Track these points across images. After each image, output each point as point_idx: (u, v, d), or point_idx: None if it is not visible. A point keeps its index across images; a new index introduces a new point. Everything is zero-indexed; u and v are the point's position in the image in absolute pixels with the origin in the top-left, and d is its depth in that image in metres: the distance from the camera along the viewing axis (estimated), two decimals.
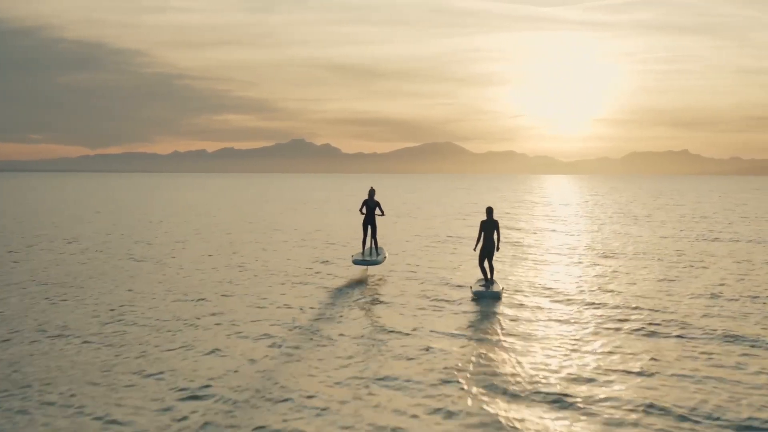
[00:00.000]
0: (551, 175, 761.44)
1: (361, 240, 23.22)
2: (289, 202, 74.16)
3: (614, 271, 23.53)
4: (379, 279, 21.79)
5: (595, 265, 25.34)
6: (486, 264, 19.37)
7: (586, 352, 13.40)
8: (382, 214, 22.54)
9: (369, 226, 22.34)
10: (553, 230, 40.64)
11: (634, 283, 21.04)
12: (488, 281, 19.34)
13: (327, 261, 25.91)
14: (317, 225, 42.93)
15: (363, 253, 22.32)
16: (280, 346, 13.60)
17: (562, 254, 28.61)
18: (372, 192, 22.42)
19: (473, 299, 18.51)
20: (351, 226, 40.36)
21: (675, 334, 14.74)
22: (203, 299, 18.50)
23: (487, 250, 19.20)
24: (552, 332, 14.99)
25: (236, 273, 23.08)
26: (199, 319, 16.16)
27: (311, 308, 17.37)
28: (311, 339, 14.26)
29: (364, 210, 22.35)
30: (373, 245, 22.59)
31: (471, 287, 19.34)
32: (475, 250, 19.78)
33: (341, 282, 21.30)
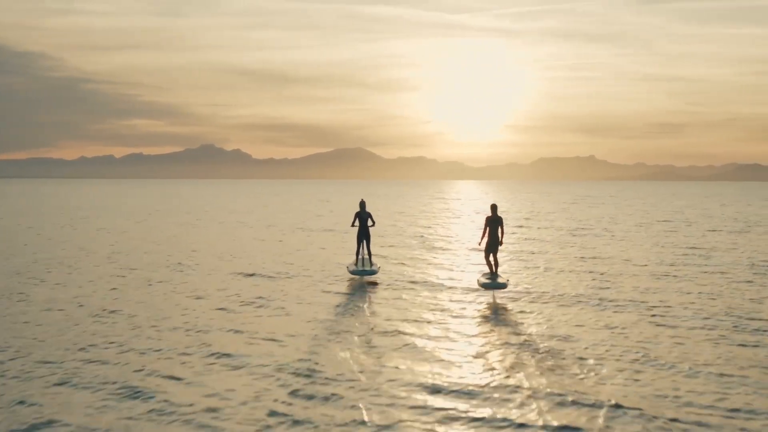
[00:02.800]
0: (461, 180, 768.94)
1: (355, 251, 23.37)
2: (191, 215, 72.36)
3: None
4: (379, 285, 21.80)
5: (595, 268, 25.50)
6: (491, 258, 19.85)
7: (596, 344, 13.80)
8: (373, 224, 22.76)
9: (363, 237, 22.49)
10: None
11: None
12: (494, 274, 19.81)
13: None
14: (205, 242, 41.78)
15: (356, 263, 22.46)
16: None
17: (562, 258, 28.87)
18: (363, 204, 22.71)
19: (480, 289, 19.12)
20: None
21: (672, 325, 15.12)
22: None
23: (493, 245, 19.72)
24: (565, 330, 15.52)
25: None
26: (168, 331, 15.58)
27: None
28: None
29: (356, 223, 22.55)
30: (368, 256, 22.81)
31: (478, 280, 19.82)
32: (480, 244, 20.33)
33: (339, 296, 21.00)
